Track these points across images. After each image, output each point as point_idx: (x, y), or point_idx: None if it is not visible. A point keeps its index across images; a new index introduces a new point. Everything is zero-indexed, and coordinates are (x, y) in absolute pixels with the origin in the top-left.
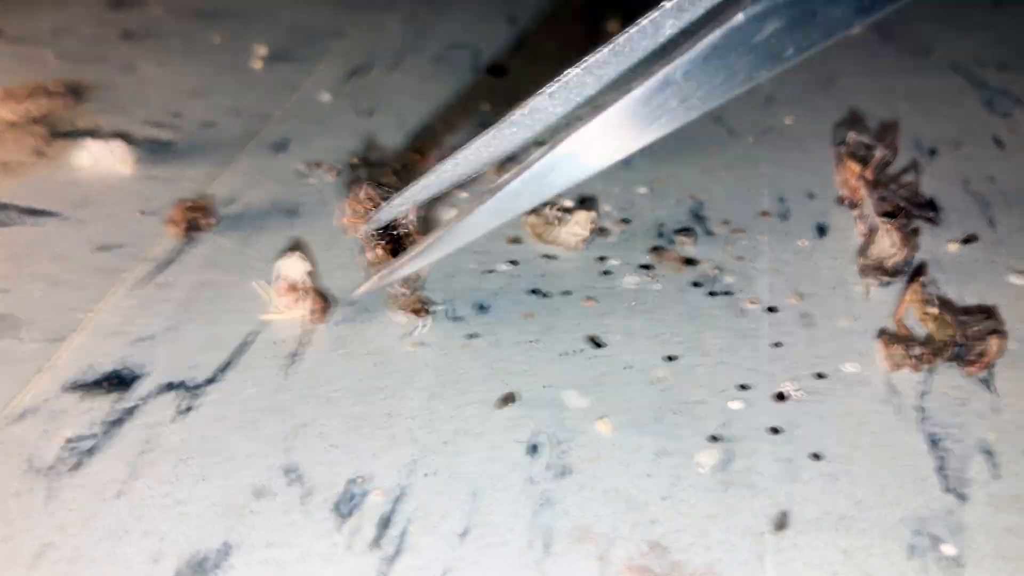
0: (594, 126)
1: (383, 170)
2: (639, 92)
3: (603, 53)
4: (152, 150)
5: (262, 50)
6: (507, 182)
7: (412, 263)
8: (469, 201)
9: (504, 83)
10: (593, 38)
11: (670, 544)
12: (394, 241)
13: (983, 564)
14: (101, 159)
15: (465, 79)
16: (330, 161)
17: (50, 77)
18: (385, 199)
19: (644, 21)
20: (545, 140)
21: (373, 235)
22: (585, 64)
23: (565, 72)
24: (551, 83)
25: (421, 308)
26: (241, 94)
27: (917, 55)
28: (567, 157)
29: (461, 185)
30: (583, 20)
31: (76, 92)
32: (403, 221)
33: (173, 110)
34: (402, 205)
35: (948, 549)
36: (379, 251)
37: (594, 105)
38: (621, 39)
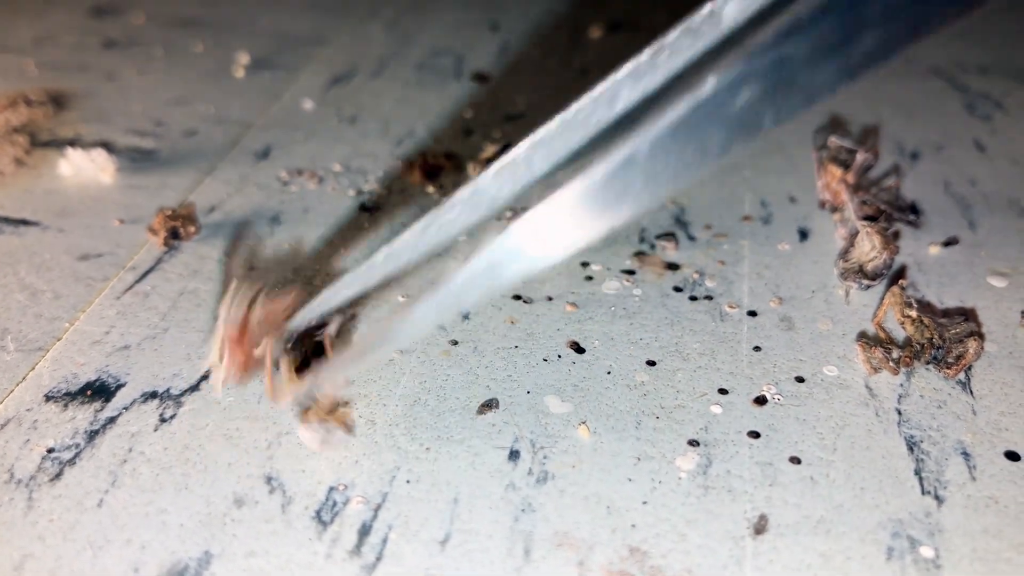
0: (546, 211)
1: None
2: (599, 172)
3: (553, 125)
4: (134, 159)
5: (244, 58)
6: (451, 277)
7: (341, 369)
8: (407, 300)
9: (487, 89)
10: (575, 45)
11: (650, 549)
12: (314, 347)
13: (960, 565)
14: (82, 168)
15: (448, 85)
16: (312, 168)
17: (31, 86)
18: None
19: (598, 90)
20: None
21: (288, 348)
22: (533, 139)
23: (513, 148)
24: (496, 162)
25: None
26: (223, 102)
27: (898, 59)
28: (516, 247)
29: (391, 282)
30: (566, 27)
31: (57, 101)
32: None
33: (155, 118)
34: (326, 306)
35: (926, 551)
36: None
37: (545, 185)
38: (572, 110)
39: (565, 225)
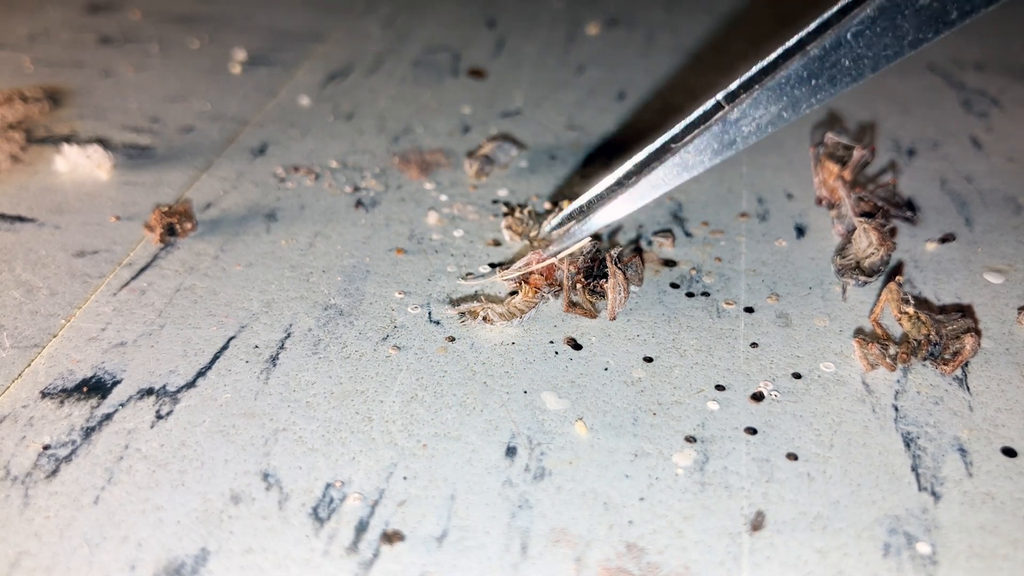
0: (775, 85)
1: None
2: (815, 51)
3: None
4: (130, 155)
5: (241, 55)
6: (691, 140)
7: (596, 219)
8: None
9: (484, 86)
10: (573, 41)
11: (647, 545)
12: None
13: (957, 562)
14: (78, 164)
15: (445, 82)
16: (309, 165)
17: (26, 82)
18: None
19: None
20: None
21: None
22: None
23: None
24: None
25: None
26: (220, 98)
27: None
28: (747, 115)
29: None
30: (563, 23)
31: (53, 97)
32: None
33: (151, 115)
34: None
35: (923, 547)
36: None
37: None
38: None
39: (788, 96)
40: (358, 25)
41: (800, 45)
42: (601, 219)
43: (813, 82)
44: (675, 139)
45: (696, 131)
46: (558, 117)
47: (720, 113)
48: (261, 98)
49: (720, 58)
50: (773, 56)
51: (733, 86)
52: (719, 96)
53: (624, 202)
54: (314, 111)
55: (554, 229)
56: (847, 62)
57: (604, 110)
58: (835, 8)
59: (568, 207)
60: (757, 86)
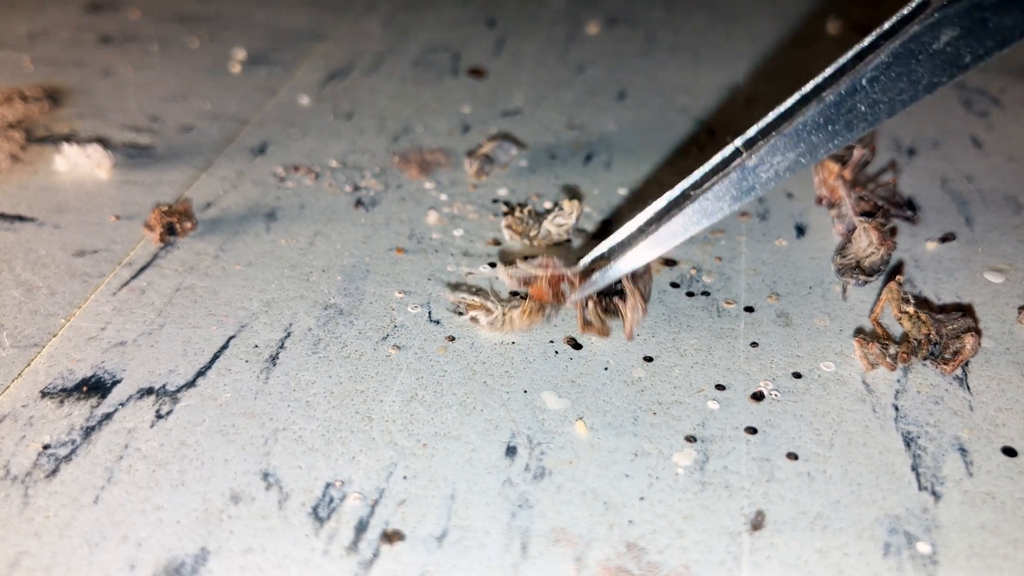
0: (792, 131)
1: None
2: (831, 98)
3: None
4: (130, 155)
5: (241, 54)
6: (710, 187)
7: (615, 271)
8: (665, 208)
9: (484, 85)
10: (573, 40)
11: (647, 545)
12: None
13: (957, 561)
14: (78, 164)
15: (445, 81)
16: (309, 164)
17: (26, 82)
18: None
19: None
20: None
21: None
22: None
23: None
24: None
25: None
26: (220, 98)
27: None
28: (765, 161)
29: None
30: (563, 23)
31: (53, 97)
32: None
33: (151, 114)
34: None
35: (923, 547)
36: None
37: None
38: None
39: (806, 142)
40: (358, 24)
41: (816, 91)
42: (622, 267)
43: (830, 128)
44: (694, 186)
45: (715, 178)
46: (558, 116)
47: (738, 160)
48: (261, 97)
49: (720, 57)
50: (790, 102)
51: (751, 132)
52: (738, 142)
53: (645, 249)
54: (314, 110)
55: (579, 273)
56: (863, 107)
57: (604, 110)
58: (850, 54)
59: (587, 256)
60: (775, 132)
